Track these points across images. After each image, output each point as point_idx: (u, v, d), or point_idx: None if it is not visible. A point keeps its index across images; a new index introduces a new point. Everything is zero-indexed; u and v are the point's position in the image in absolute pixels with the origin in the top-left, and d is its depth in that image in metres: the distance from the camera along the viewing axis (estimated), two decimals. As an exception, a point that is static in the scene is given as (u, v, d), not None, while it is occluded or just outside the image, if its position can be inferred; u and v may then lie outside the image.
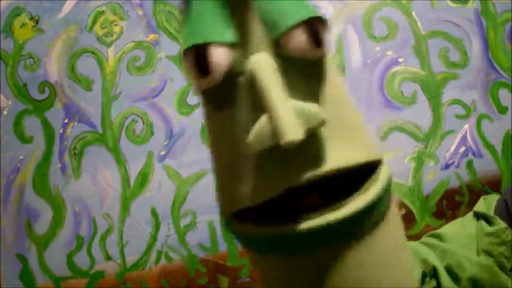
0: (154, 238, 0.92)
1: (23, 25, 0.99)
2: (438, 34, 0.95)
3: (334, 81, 0.31)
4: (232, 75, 0.29)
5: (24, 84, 0.97)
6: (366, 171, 0.31)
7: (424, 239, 0.51)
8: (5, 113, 0.97)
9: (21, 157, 0.96)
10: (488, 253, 0.46)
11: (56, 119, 0.96)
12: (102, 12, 0.98)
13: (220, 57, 0.28)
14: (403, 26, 0.96)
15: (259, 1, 0.29)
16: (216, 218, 0.92)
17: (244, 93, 0.29)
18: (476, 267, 0.45)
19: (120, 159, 0.94)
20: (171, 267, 0.92)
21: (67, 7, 0.99)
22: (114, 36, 0.98)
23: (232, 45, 0.28)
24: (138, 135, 0.95)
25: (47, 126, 0.96)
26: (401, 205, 0.91)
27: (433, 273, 0.47)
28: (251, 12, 0.29)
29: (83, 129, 0.96)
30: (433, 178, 0.92)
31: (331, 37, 0.93)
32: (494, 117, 0.93)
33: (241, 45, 0.29)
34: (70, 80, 0.97)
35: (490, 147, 0.92)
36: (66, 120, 0.96)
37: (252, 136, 0.28)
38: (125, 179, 0.94)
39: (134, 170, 0.94)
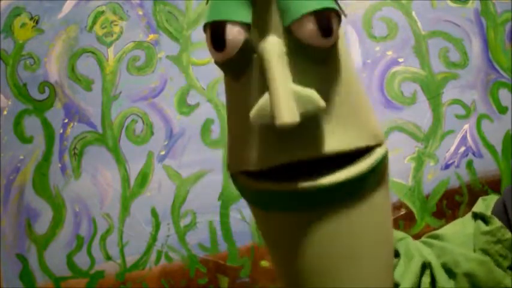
0: (154, 238, 0.92)
1: (23, 25, 0.99)
2: (438, 34, 0.95)
3: (343, 69, 0.33)
4: (246, 51, 0.32)
5: (24, 84, 0.98)
6: (366, 153, 0.34)
7: (423, 238, 0.52)
8: (5, 113, 0.97)
9: (21, 157, 0.96)
10: (484, 251, 0.46)
11: (56, 119, 0.96)
12: (102, 12, 0.98)
13: (235, 34, 0.31)
14: (403, 26, 0.96)
15: None
16: (216, 218, 0.92)
17: (256, 70, 0.32)
18: (472, 263, 0.45)
19: (120, 159, 0.94)
20: (171, 267, 0.92)
21: (67, 7, 0.99)
22: (114, 36, 0.98)
23: (248, 26, 0.31)
24: (138, 135, 0.95)
25: (47, 126, 0.96)
26: (401, 205, 0.91)
27: (429, 269, 0.47)
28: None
29: (83, 129, 0.96)
30: (433, 178, 0.92)
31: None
32: (494, 117, 0.93)
33: (258, 27, 0.31)
34: (70, 80, 0.97)
35: (490, 147, 0.92)
36: (66, 120, 0.96)
37: (254, 110, 0.30)
38: (125, 179, 0.94)
39: (134, 170, 0.94)
